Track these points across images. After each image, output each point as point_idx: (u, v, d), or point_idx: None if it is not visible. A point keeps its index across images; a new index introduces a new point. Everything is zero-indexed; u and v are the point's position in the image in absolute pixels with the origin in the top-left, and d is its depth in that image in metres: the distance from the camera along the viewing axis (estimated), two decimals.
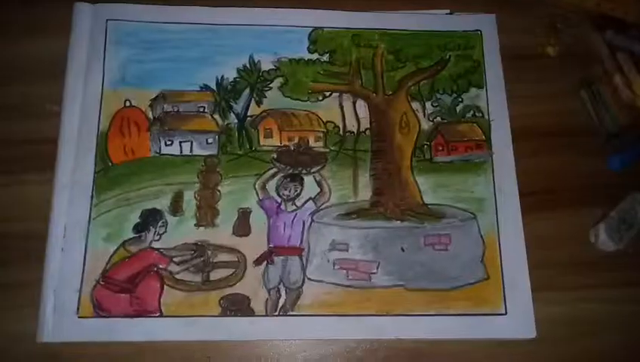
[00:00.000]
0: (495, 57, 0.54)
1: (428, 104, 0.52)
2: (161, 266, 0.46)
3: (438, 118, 0.52)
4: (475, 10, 0.56)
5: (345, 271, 0.47)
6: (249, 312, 0.45)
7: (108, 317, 0.44)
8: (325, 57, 0.53)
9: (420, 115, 0.52)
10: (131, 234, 0.46)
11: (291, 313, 0.45)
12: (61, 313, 0.44)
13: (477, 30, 0.55)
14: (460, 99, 0.53)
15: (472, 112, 0.52)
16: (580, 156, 0.52)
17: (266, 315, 0.45)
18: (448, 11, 0.56)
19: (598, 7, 0.56)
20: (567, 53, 0.55)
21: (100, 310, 0.44)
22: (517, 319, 0.46)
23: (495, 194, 0.50)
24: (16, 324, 0.44)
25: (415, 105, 0.52)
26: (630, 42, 0.55)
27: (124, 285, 0.45)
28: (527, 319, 0.46)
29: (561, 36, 0.55)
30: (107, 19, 0.52)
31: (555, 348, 0.46)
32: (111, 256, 0.46)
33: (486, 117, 0.52)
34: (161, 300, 0.45)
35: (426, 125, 0.52)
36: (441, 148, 0.51)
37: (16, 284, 0.45)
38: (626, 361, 0.46)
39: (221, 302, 0.45)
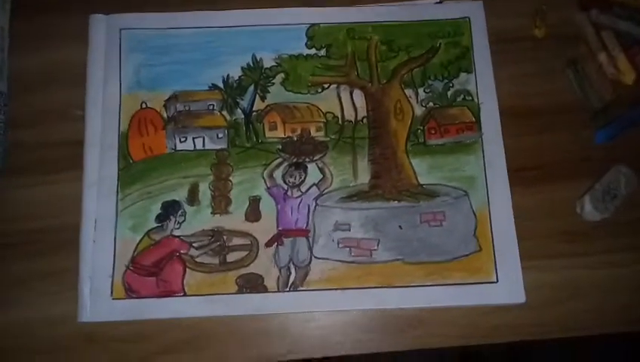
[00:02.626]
0: (483, 42, 0.57)
1: (420, 90, 0.56)
2: (182, 251, 0.51)
3: (431, 104, 0.55)
4: None
5: (348, 248, 0.51)
6: (263, 289, 0.50)
7: (138, 298, 0.49)
8: (322, 52, 0.57)
9: (413, 101, 0.56)
10: (154, 224, 0.51)
11: (301, 288, 0.50)
12: (97, 296, 0.49)
13: (465, 17, 0.57)
14: (451, 85, 0.56)
15: (462, 96, 0.56)
16: (567, 132, 0.55)
17: (278, 291, 0.50)
18: (438, 0, 0.59)
19: None
20: (554, 35, 0.58)
21: (131, 292, 0.50)
22: (507, 286, 0.50)
23: (485, 172, 0.53)
24: (58, 307, 0.50)
25: (408, 92, 0.56)
26: (614, 20, 0.57)
27: (150, 269, 0.50)
28: (517, 286, 0.50)
29: (548, 18, 0.58)
30: (120, 29, 0.56)
31: (542, 310, 0.50)
32: (137, 244, 0.51)
33: (475, 100, 0.55)
34: (184, 281, 0.50)
35: (419, 111, 0.55)
36: (434, 132, 0.55)
37: (56, 272, 0.50)
38: (606, 318, 0.50)
39: (237, 281, 0.50)
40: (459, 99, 0.56)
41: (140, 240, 0.51)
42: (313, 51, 0.57)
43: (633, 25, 0.56)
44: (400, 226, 0.52)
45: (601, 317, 0.50)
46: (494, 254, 0.51)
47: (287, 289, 0.50)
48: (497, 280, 0.50)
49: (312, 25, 0.57)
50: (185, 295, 0.50)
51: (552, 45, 0.57)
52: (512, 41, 0.57)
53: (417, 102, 0.55)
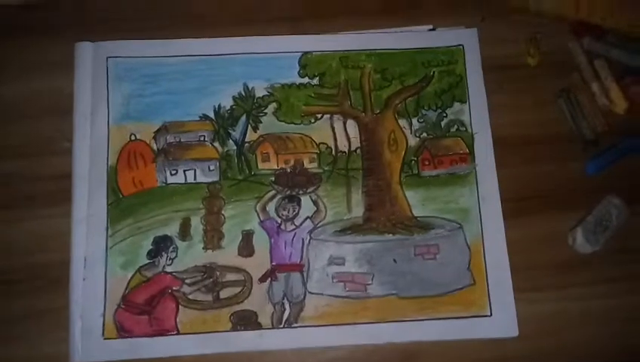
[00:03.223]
0: (477, 71, 0.56)
1: (414, 120, 0.55)
2: (175, 288, 0.50)
3: (424, 134, 0.55)
4: (457, 22, 0.58)
5: (342, 283, 0.51)
6: (257, 326, 0.50)
7: (130, 337, 0.49)
8: (315, 80, 0.56)
9: (407, 131, 0.55)
10: (146, 260, 0.51)
11: (295, 324, 0.50)
12: (88, 336, 0.48)
13: (459, 45, 0.57)
14: (445, 115, 0.56)
15: (455, 127, 0.55)
16: (559, 162, 0.55)
17: (273, 328, 0.50)
18: (431, 27, 0.58)
19: (577, 14, 0.58)
20: (548, 63, 0.57)
21: (123, 331, 0.49)
22: (501, 320, 0.50)
23: (479, 204, 0.53)
24: (51, 347, 0.49)
25: (402, 122, 0.55)
26: (607, 49, 0.57)
27: (142, 307, 0.50)
28: (510, 319, 0.50)
29: (541, 46, 0.57)
30: (107, 57, 0.54)
31: (535, 342, 0.50)
32: (129, 282, 0.50)
33: (469, 131, 0.55)
34: (177, 319, 0.49)
35: (412, 141, 0.55)
36: (427, 163, 0.55)
37: (47, 311, 0.49)
38: (598, 349, 0.51)
39: (231, 317, 0.50)
40: (452, 129, 0.55)
41: (132, 278, 0.50)
42: (306, 80, 0.56)
43: (625, 53, 0.57)
44: (394, 260, 0.52)
45: (593, 347, 0.51)
46: (488, 287, 0.51)
47: (282, 325, 0.50)
48: (491, 314, 0.51)
49: (305, 53, 0.56)
50: (178, 333, 0.49)
51: (545, 73, 0.57)
52: (505, 69, 0.57)
53: (411, 132, 0.55)
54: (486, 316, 0.51)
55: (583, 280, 0.52)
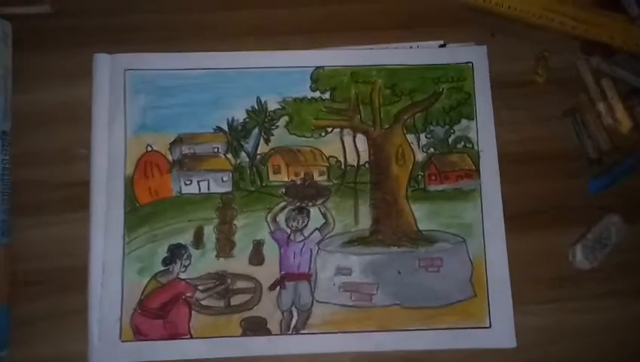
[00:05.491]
0: (485, 88, 0.57)
1: (422, 136, 0.57)
2: (188, 294, 0.53)
3: (432, 150, 0.57)
4: (467, 39, 0.59)
5: (349, 293, 0.53)
6: (266, 332, 0.52)
7: (146, 340, 0.51)
8: (327, 95, 0.57)
9: (415, 146, 0.57)
10: (161, 267, 0.53)
11: (302, 331, 0.52)
12: (106, 339, 0.51)
13: (469, 62, 0.58)
14: (452, 131, 0.57)
15: (462, 143, 0.57)
16: (563, 179, 0.56)
17: (281, 334, 0.52)
18: (442, 42, 0.59)
19: (586, 33, 0.59)
20: (555, 80, 0.58)
21: (139, 334, 0.52)
22: (499, 331, 0.52)
23: (483, 220, 0.55)
24: (69, 347, 0.51)
25: (410, 137, 0.57)
26: (614, 69, 0.58)
27: (157, 312, 0.52)
28: (509, 331, 0.52)
29: (549, 64, 0.58)
30: (125, 69, 0.56)
31: (532, 353, 0.52)
32: (144, 288, 0.52)
33: (475, 148, 0.56)
34: (190, 324, 0.52)
35: (420, 156, 0.56)
36: (434, 178, 0.56)
37: (68, 312, 0.52)
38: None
39: (242, 323, 0.52)
40: (459, 145, 0.57)
41: (147, 284, 0.52)
42: (317, 94, 0.57)
43: (632, 74, 0.57)
44: (399, 271, 0.54)
45: (589, 359, 0.53)
46: (488, 300, 0.53)
47: (290, 332, 0.52)
48: (490, 325, 0.53)
49: (317, 68, 0.57)
50: (191, 337, 0.52)
51: (553, 91, 0.58)
52: (513, 86, 0.58)
53: (419, 147, 0.57)
54: (485, 327, 0.53)
55: (580, 293, 0.54)
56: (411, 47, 0.58)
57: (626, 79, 0.57)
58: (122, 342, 0.51)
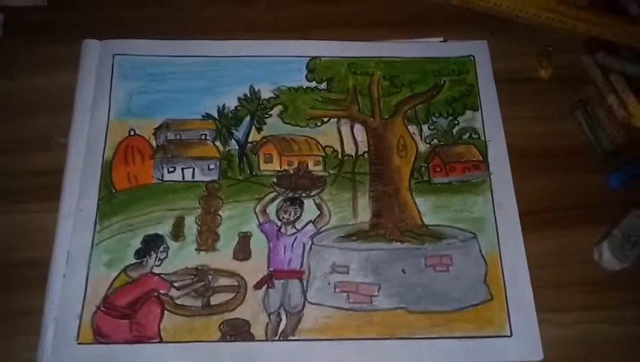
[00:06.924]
0: (489, 81, 0.55)
1: (424, 127, 0.53)
2: (161, 291, 0.46)
3: (435, 141, 0.53)
4: (468, 37, 0.58)
5: (346, 294, 0.46)
6: (249, 337, 0.44)
7: (107, 343, 0.44)
8: (323, 85, 0.55)
9: (417, 137, 0.53)
10: (133, 260, 0.47)
11: (292, 338, 0.45)
12: (61, 339, 0.43)
13: (470, 56, 0.56)
14: (456, 122, 0.54)
15: (468, 134, 0.53)
16: (579, 175, 0.52)
17: (267, 340, 0.44)
18: (442, 39, 0.58)
19: (589, 31, 0.58)
20: (560, 76, 0.56)
21: (100, 336, 0.44)
22: (523, 341, 0.45)
23: (495, 214, 0.50)
24: (20, 353, 0.44)
25: (412, 128, 0.53)
26: (621, 63, 0.56)
27: (124, 311, 0.45)
28: (534, 341, 0.45)
29: (553, 59, 0.57)
30: (114, 54, 0.54)
31: None
32: (112, 282, 0.46)
33: (482, 138, 0.53)
34: (161, 325, 0.45)
35: (423, 148, 0.52)
36: (439, 170, 0.52)
37: (20, 312, 0.45)
38: None
39: (221, 326, 0.45)
40: (465, 136, 0.53)
41: (116, 278, 0.46)
42: (313, 84, 0.55)
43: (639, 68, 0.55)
44: (403, 270, 0.47)
45: None
46: (507, 304, 0.46)
47: (277, 338, 0.45)
48: (511, 334, 0.45)
49: (313, 58, 0.55)
50: (161, 341, 0.44)
51: (559, 86, 0.56)
52: (518, 82, 0.56)
53: (421, 138, 0.53)
54: (506, 336, 0.45)
55: (611, 301, 0.47)
56: (411, 42, 0.57)
57: (634, 73, 0.55)
58: (79, 344, 0.43)
